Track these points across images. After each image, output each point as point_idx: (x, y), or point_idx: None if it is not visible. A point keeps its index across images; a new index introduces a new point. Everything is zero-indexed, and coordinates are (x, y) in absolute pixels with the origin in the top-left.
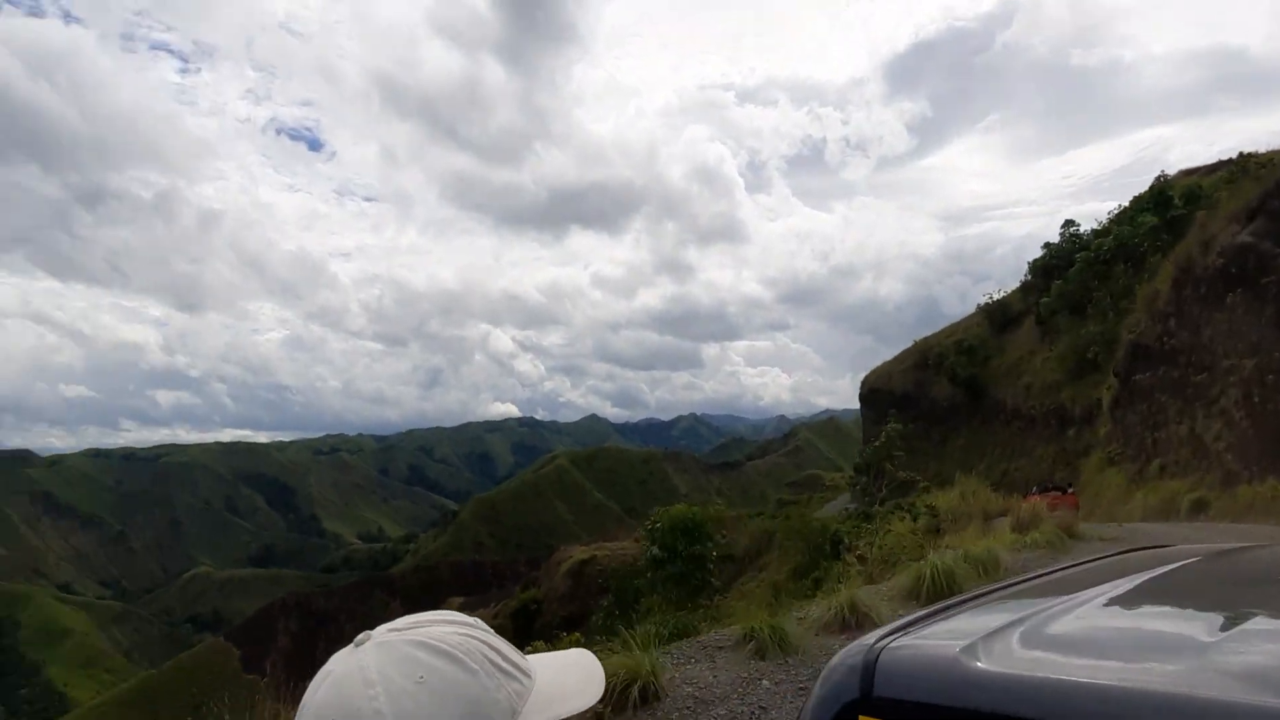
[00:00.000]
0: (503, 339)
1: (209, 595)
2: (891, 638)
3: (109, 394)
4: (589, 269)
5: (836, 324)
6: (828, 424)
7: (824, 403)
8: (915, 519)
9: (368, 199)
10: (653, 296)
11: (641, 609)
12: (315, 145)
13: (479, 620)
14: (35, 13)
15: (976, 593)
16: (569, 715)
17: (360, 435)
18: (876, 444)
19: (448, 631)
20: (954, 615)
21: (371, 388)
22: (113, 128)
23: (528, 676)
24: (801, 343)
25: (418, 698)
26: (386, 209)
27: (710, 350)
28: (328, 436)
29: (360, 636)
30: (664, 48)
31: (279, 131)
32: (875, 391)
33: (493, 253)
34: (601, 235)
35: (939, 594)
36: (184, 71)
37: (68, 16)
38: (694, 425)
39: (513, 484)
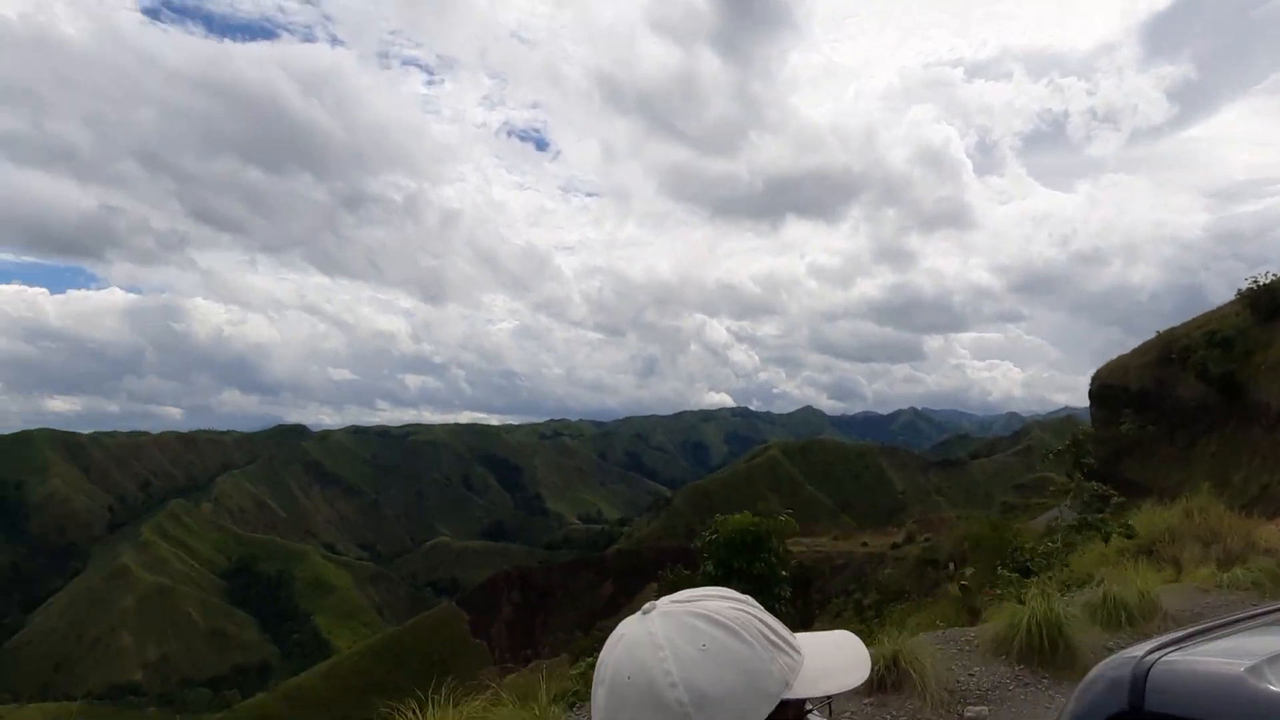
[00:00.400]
0: (718, 329)
1: (447, 563)
2: (1162, 652)
3: (367, 377)
4: (805, 258)
5: (1077, 315)
6: (1065, 422)
7: (1061, 400)
8: (1106, 539)
9: (590, 194)
10: (872, 286)
11: None
12: (542, 145)
13: (749, 598)
14: (308, 39)
15: (1251, 613)
16: (836, 692)
17: (581, 421)
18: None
19: (724, 606)
20: (1228, 635)
21: (592, 375)
22: (370, 138)
23: (797, 652)
24: (1037, 335)
25: (702, 663)
26: (607, 203)
27: (933, 342)
28: (551, 421)
29: (646, 606)
30: (884, 26)
31: (510, 134)
32: (1108, 388)
33: (708, 244)
34: (818, 224)
35: (1036, 652)
36: (430, 83)
37: (334, 40)
38: (914, 420)
39: (725, 473)
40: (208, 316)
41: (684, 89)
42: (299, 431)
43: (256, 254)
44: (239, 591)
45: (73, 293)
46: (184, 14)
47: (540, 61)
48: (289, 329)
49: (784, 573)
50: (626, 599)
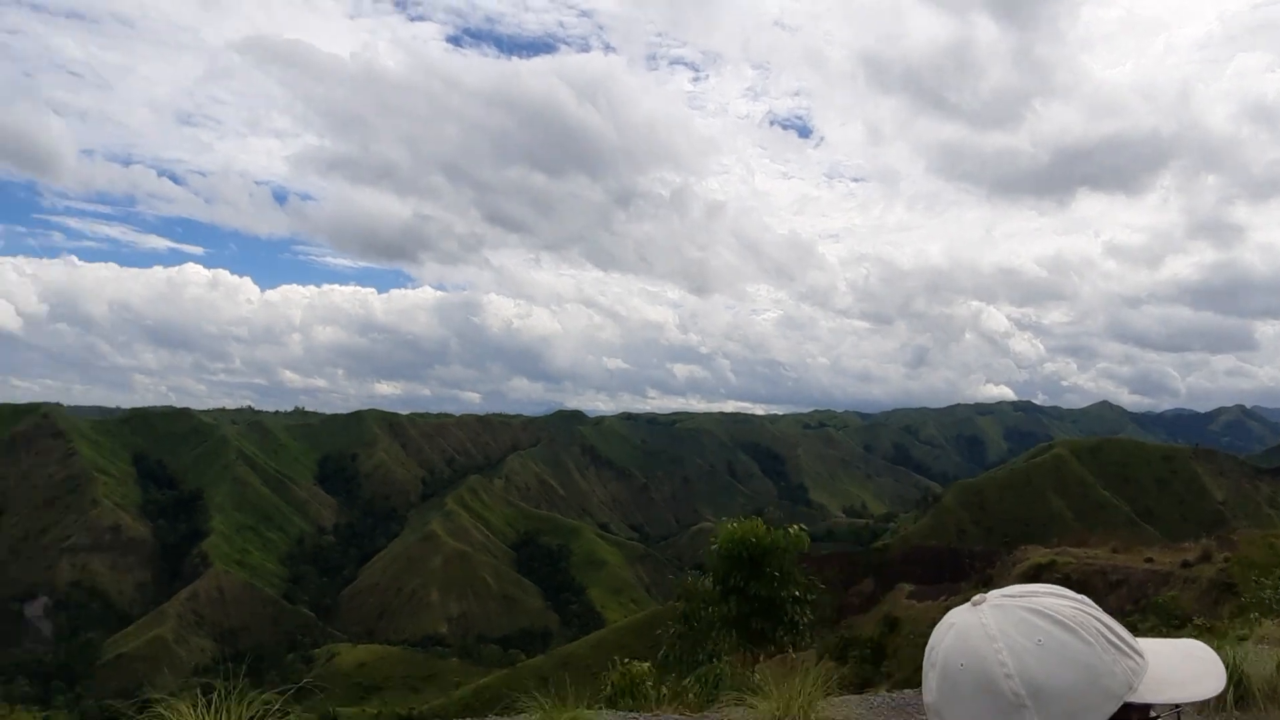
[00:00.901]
0: (996, 317)
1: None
2: None
3: (638, 366)
4: (1100, 237)
5: None
6: None
7: None
8: None
9: (855, 179)
10: (1185, 265)
11: (708, 647)
12: (805, 132)
13: (1086, 598)
14: (584, 49)
15: None
16: (1184, 701)
17: (846, 412)
18: None
19: (1060, 603)
20: None
21: (858, 365)
22: (639, 137)
23: (1140, 656)
24: None
25: (1038, 655)
26: (873, 188)
27: (1267, 329)
28: (815, 411)
29: (977, 598)
30: None
31: (772, 123)
32: None
33: (984, 224)
34: (1116, 197)
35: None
36: (696, 80)
37: (607, 47)
38: (1240, 419)
39: (1001, 471)
40: (500, 310)
41: (956, 60)
42: (577, 417)
43: (540, 252)
44: (525, 562)
45: (395, 292)
46: (480, 38)
47: (802, 47)
48: (569, 321)
49: (796, 593)
50: (885, 597)
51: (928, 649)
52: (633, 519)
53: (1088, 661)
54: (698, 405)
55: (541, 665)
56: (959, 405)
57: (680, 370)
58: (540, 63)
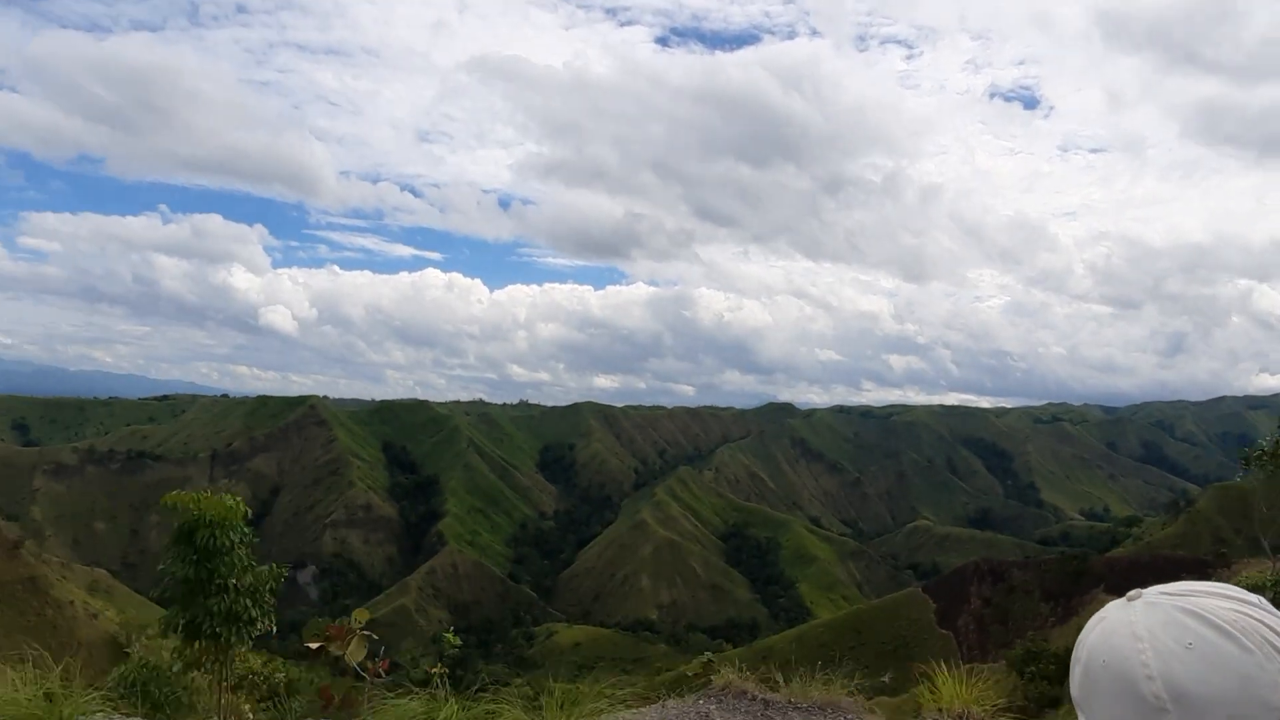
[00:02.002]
0: (1271, 296)
1: (928, 547)
2: None
3: (852, 357)
4: None
5: None
6: None
7: None
8: None
9: (1094, 150)
10: None
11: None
12: (1031, 103)
13: (1262, 600)
14: (789, 36)
15: None
16: None
17: (1085, 405)
18: None
19: (1220, 605)
20: None
21: (1099, 355)
22: (846, 122)
23: None
24: None
25: (1185, 661)
26: (1115, 159)
27: None
28: (1049, 405)
29: (1132, 593)
30: None
31: (994, 96)
32: None
33: (1255, 193)
34: None
35: None
36: (909, 58)
37: (813, 32)
38: None
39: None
40: (711, 304)
41: (1213, 8)
42: (787, 409)
43: (749, 244)
44: (733, 553)
45: (610, 288)
46: (686, 36)
47: (1027, 11)
48: (779, 313)
49: (234, 582)
50: (1084, 608)
51: (1077, 642)
52: (845, 514)
53: (1243, 670)
54: (916, 398)
55: (741, 656)
56: (1225, 398)
57: (896, 361)
58: (745, 54)
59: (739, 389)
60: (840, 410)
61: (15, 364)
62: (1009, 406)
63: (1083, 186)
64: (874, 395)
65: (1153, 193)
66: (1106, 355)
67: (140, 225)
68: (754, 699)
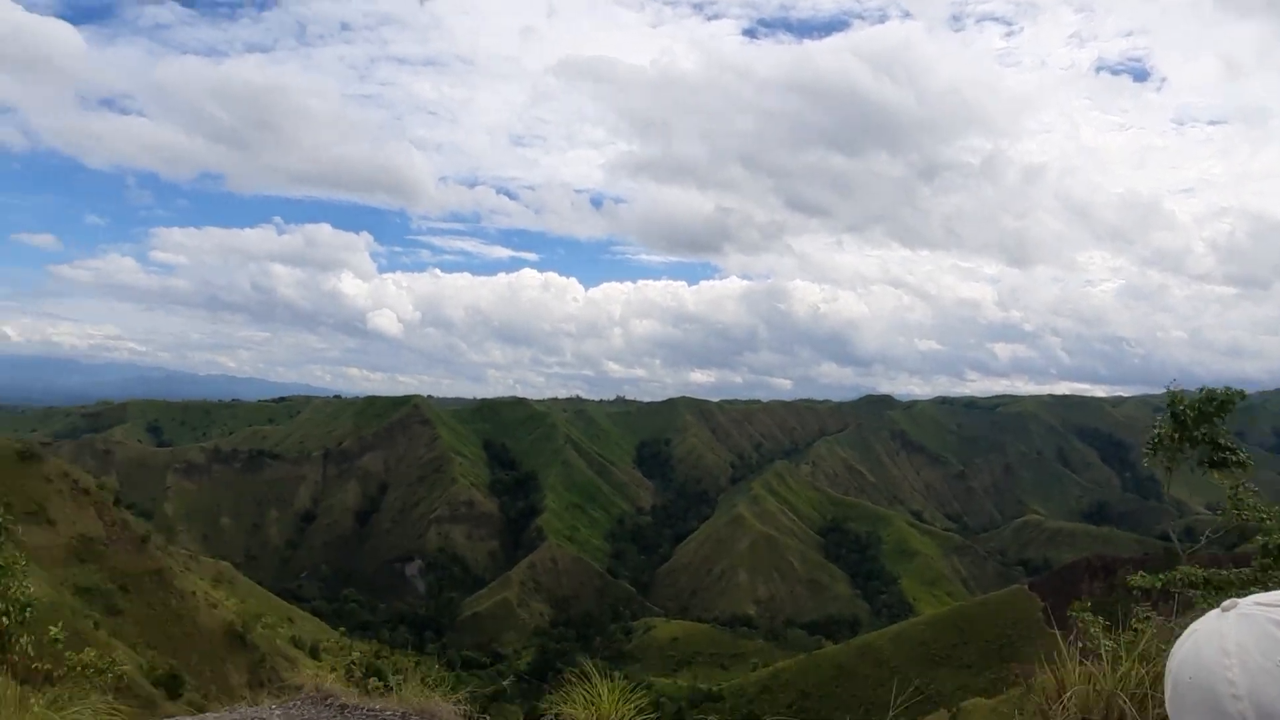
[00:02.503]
0: None
1: (1038, 543)
2: None
3: (954, 347)
4: None
5: None
6: None
7: None
8: None
9: (1212, 122)
10: None
11: None
12: (1141, 75)
13: None
14: (880, 20)
15: None
16: None
17: None
18: None
19: None
20: None
21: (1224, 338)
22: (942, 105)
23: None
24: None
25: (1276, 679)
26: (1235, 130)
27: None
28: (1170, 392)
29: (1228, 603)
30: None
31: (1100, 69)
32: None
33: None
34: None
35: None
36: (1008, 35)
37: (905, 15)
38: None
39: None
40: (805, 296)
41: None
42: (886, 401)
43: (842, 234)
44: (832, 548)
45: (703, 283)
46: (773, 26)
47: None
48: (876, 303)
49: None
50: None
51: (1170, 654)
52: (949, 509)
53: None
54: (1025, 387)
55: (839, 654)
56: None
57: (1002, 350)
58: (834, 41)
59: (836, 381)
60: (943, 401)
61: (150, 370)
62: (1125, 395)
63: (1200, 160)
64: (979, 385)
65: (1276, 164)
66: (1232, 338)
67: (257, 237)
68: (331, 704)
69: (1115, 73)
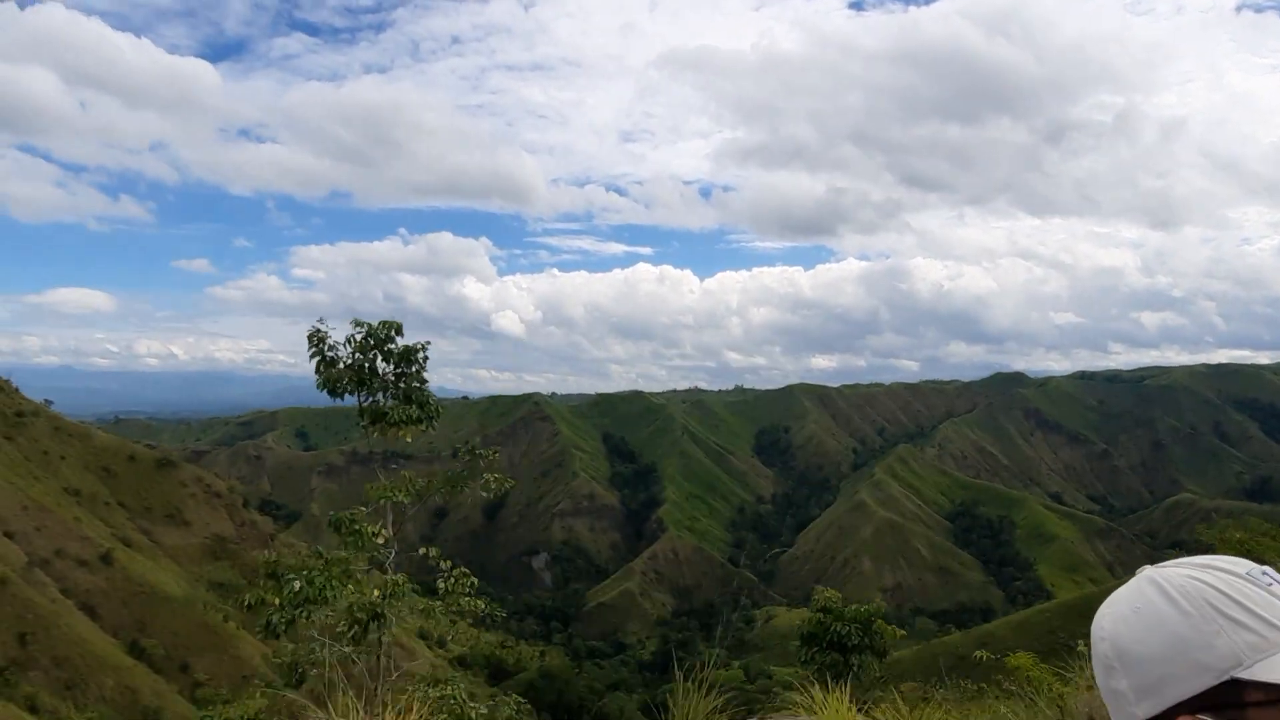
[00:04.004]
0: None
1: (1192, 523)
2: None
3: (1094, 318)
4: None
5: None
6: None
7: None
8: None
9: None
10: None
11: None
12: None
13: (1259, 568)
14: None
15: None
16: None
17: None
18: None
19: (1179, 573)
20: None
21: None
22: (1065, 63)
23: (1275, 632)
24: None
25: (1130, 622)
26: None
27: None
28: None
29: (1143, 567)
30: None
31: (1243, 8)
32: None
33: None
34: None
35: None
36: None
37: None
38: None
39: None
40: (927, 274)
41: None
42: (1017, 379)
43: (963, 207)
44: (961, 533)
45: (819, 267)
46: None
47: None
48: (1005, 277)
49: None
50: None
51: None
52: (1092, 490)
53: (1179, 632)
54: (1177, 357)
55: (958, 643)
56: None
57: (1149, 319)
58: (940, 6)
59: (966, 360)
60: (1081, 376)
61: (300, 379)
62: None
63: None
64: (1125, 359)
65: None
66: None
67: (385, 249)
68: None
69: (1259, 10)
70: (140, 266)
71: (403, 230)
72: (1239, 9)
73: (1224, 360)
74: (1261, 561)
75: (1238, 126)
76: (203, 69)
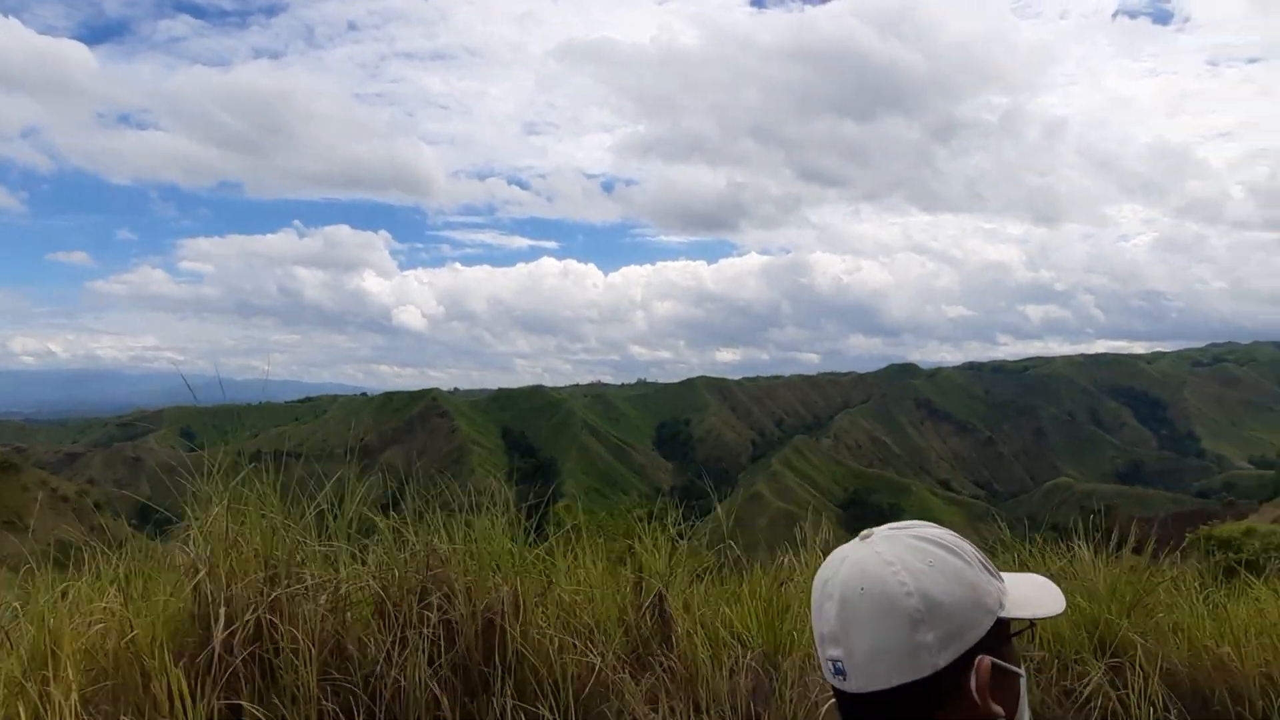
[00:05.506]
0: None
1: (1069, 505)
2: None
3: (984, 311)
4: None
5: None
6: None
7: None
8: None
9: (1251, 60)
10: None
11: None
12: (1162, 17)
13: (954, 532)
14: None
15: None
16: (1039, 617)
17: (1254, 343)
18: None
19: (941, 531)
20: None
21: (1269, 286)
22: (953, 63)
23: (1001, 580)
24: None
25: (932, 575)
26: (1275, 67)
27: None
28: (1211, 345)
29: (865, 532)
30: None
31: (1117, 14)
32: None
33: None
34: None
35: None
36: None
37: None
38: None
39: None
40: (827, 268)
41: None
42: (910, 370)
43: (860, 203)
44: (852, 521)
45: (722, 261)
46: None
47: None
48: (900, 271)
49: None
50: None
51: (819, 583)
52: (978, 476)
53: (971, 580)
54: (1060, 348)
55: None
56: None
57: (1034, 312)
58: (836, 5)
59: (866, 353)
60: (970, 367)
61: (190, 377)
62: (1165, 351)
63: (1241, 102)
64: (1012, 349)
65: None
66: (1278, 287)
67: (279, 241)
68: None
69: (1134, 17)
70: (13, 260)
71: (297, 222)
72: (1115, 15)
73: (1102, 350)
74: None
75: (1115, 127)
76: (78, 51)
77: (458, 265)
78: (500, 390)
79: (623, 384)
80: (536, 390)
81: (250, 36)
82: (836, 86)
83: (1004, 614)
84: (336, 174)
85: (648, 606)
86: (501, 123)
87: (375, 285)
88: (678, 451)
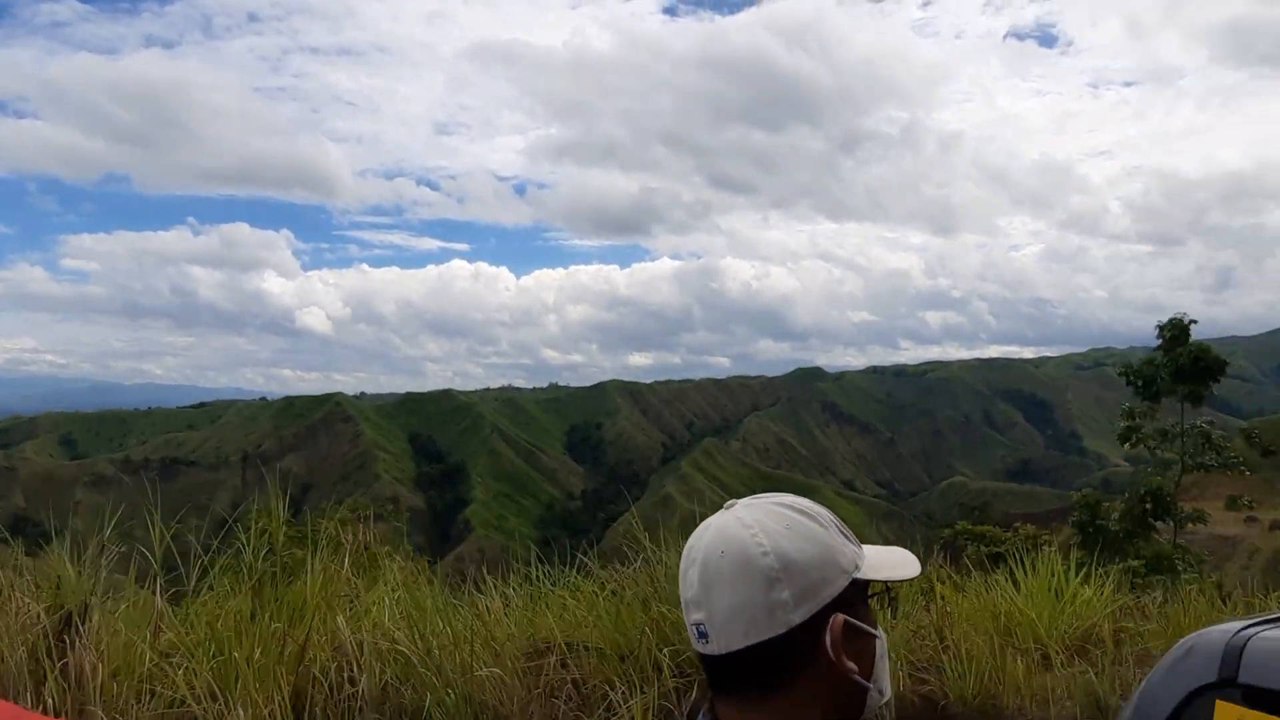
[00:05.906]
0: None
1: (965, 502)
2: (1259, 628)
3: (886, 317)
4: None
5: None
6: None
7: None
8: None
9: (1127, 84)
10: None
11: None
12: (1048, 41)
13: (813, 502)
14: None
15: None
16: (895, 580)
17: (1131, 348)
18: None
19: (800, 500)
20: None
21: (1143, 295)
22: (856, 77)
23: (859, 545)
24: None
25: (787, 536)
26: (1148, 91)
27: None
28: (1093, 350)
29: (730, 502)
30: None
31: (1007, 36)
32: None
33: None
34: None
35: None
36: (925, 5)
37: None
38: None
39: None
40: (737, 274)
41: None
42: (816, 373)
43: (768, 211)
44: None
45: (635, 265)
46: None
47: None
48: (807, 277)
49: None
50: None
51: (685, 551)
52: (880, 476)
53: (825, 541)
54: (956, 353)
55: None
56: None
57: (932, 318)
58: (745, 16)
59: (775, 357)
60: (873, 371)
61: (71, 382)
62: (1052, 355)
63: (1118, 123)
64: (913, 354)
65: (1190, 123)
66: (1151, 295)
67: (172, 239)
68: None
69: (1022, 39)
70: None
71: (192, 219)
72: (1006, 37)
73: (994, 355)
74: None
75: (1006, 143)
76: None
77: (365, 266)
78: (408, 394)
79: (534, 388)
80: (446, 394)
81: (141, 24)
82: (746, 96)
83: (859, 575)
84: (235, 170)
85: None
86: (411, 122)
87: (277, 286)
88: (589, 455)
